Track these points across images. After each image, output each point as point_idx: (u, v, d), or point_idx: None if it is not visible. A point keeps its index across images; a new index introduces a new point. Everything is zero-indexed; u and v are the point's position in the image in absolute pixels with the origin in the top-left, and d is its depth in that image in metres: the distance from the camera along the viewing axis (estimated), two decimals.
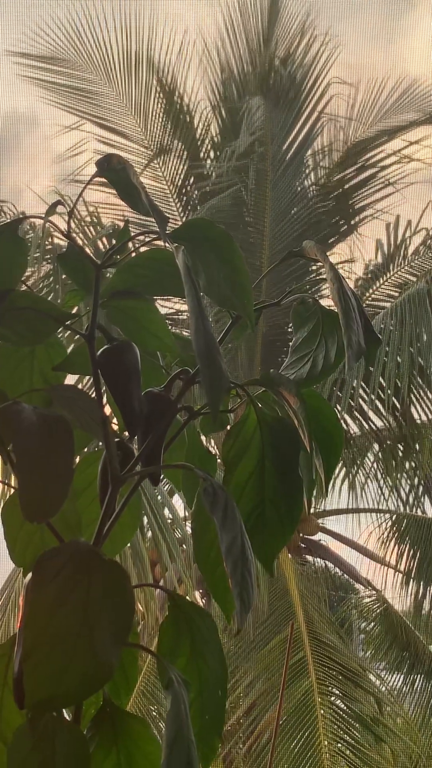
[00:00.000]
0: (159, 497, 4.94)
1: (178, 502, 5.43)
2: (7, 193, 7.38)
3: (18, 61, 7.26)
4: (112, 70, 7.68)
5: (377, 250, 7.19)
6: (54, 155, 7.58)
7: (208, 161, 7.85)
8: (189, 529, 5.10)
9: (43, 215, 0.95)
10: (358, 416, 6.81)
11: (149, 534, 4.87)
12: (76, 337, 0.95)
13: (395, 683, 6.42)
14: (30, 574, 0.79)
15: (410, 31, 7.41)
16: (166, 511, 5.07)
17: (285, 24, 7.79)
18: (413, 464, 6.94)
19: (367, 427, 6.89)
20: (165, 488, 5.23)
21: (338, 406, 6.08)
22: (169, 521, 4.96)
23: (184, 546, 5.33)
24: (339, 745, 4.95)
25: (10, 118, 7.64)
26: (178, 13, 7.57)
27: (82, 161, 7.42)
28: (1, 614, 5.35)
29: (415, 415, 6.67)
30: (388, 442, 6.89)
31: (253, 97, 7.45)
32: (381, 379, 6.09)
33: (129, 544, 4.24)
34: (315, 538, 7.26)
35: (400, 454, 6.97)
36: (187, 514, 5.33)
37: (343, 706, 5.25)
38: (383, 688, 5.98)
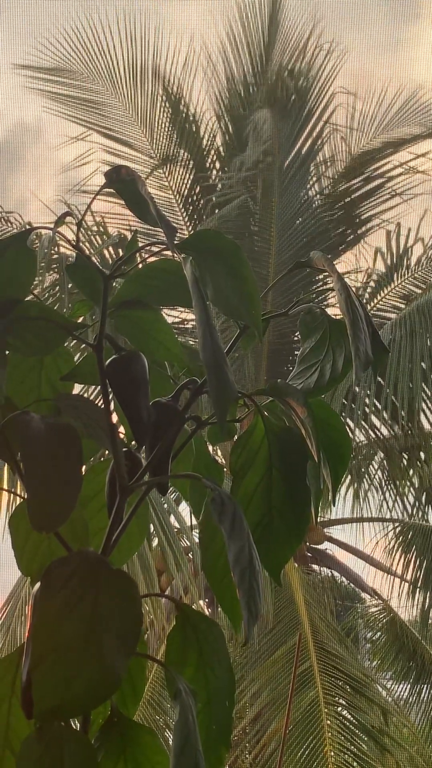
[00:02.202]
0: (165, 506, 4.93)
1: (184, 510, 5.43)
2: (12, 203, 7.40)
3: (24, 72, 7.30)
4: (117, 81, 7.70)
5: (375, 257, 7.19)
6: (59, 166, 7.61)
7: (214, 171, 7.86)
8: (196, 538, 5.10)
9: (51, 225, 0.96)
10: (364, 425, 6.80)
11: (155, 542, 4.87)
12: (82, 346, 0.95)
13: (401, 693, 6.40)
14: (38, 584, 0.80)
15: (415, 41, 7.42)
16: (173, 520, 5.07)
17: (288, 35, 7.81)
18: (419, 473, 6.93)
19: (373, 435, 6.88)
20: (171, 497, 5.22)
21: (350, 422, 6.08)
22: (175, 530, 4.96)
23: (190, 555, 5.32)
24: (345, 755, 4.93)
25: (15, 128, 7.67)
26: (183, 24, 7.60)
27: (88, 172, 7.45)
28: (8, 623, 5.35)
29: (423, 424, 6.66)
30: (395, 450, 6.88)
31: (261, 108, 7.47)
32: (390, 389, 6.08)
33: (136, 554, 4.22)
34: (321, 547, 7.25)
35: (407, 463, 6.96)
36: (193, 522, 5.33)
37: (349, 716, 5.23)
38: (389, 699, 5.96)
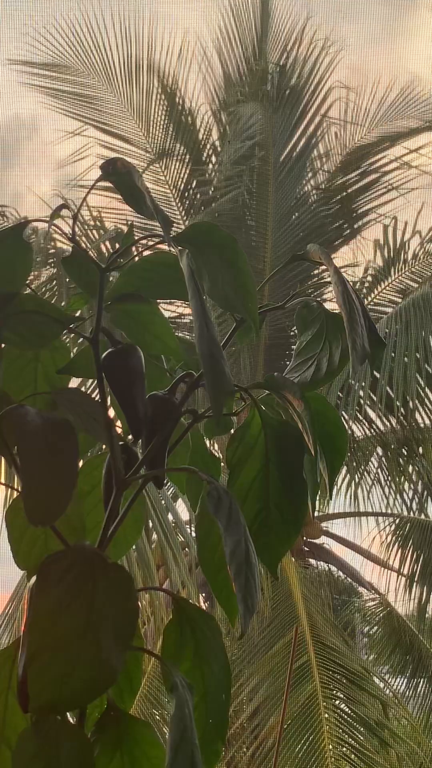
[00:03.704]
0: (163, 501, 4.94)
1: (181, 505, 5.43)
2: (8, 198, 7.38)
3: (19, 68, 7.28)
4: (113, 75, 7.69)
5: (375, 251, 7.19)
6: (55, 161, 7.60)
7: (210, 165, 7.85)
8: (193, 533, 5.10)
9: (47, 219, 0.95)
10: (362, 419, 6.81)
11: (154, 537, 4.87)
12: (79, 340, 0.95)
13: (398, 687, 6.42)
14: (34, 578, 0.79)
15: (412, 32, 7.40)
16: (170, 515, 5.06)
17: (281, 26, 7.80)
18: (417, 468, 6.93)
19: (370, 430, 6.89)
20: (169, 492, 5.22)
21: (345, 414, 6.08)
22: (173, 525, 4.96)
23: (186, 549, 5.32)
24: (343, 748, 4.94)
25: (11, 123, 7.66)
26: (178, 17, 7.58)
27: (83, 166, 7.43)
28: (13, 620, 5.33)
29: (419, 419, 6.67)
30: (392, 445, 6.89)
31: (248, 101, 7.46)
32: (384, 380, 6.08)
33: (134, 548, 4.23)
34: (318, 541, 7.26)
35: (404, 458, 6.97)
36: (191, 517, 5.33)
37: (347, 709, 5.24)
38: (387, 692, 5.97)
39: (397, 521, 6.89)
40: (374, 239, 7.20)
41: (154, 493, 4.49)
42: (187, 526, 5.32)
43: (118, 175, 0.87)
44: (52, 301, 5.49)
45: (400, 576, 6.69)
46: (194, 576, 5.10)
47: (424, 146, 7.30)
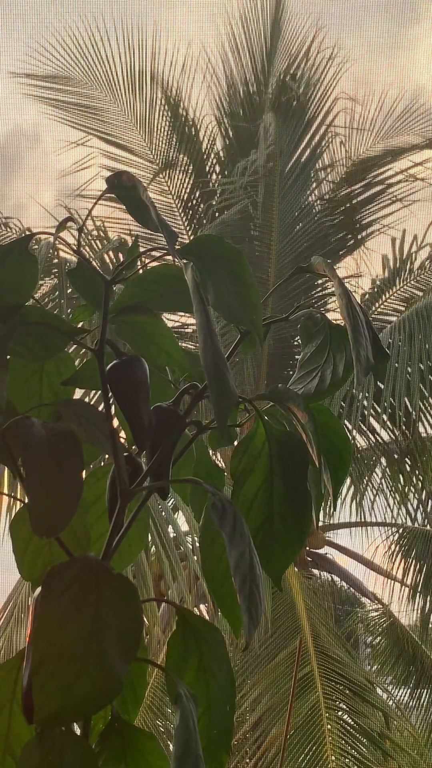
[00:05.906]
0: (163, 513, 4.93)
1: (181, 518, 5.42)
2: (11, 208, 7.40)
3: (23, 81, 7.30)
4: (116, 86, 7.70)
5: (384, 267, 7.20)
6: (58, 171, 7.61)
7: (214, 175, 7.86)
8: (194, 545, 5.09)
9: (52, 231, 0.96)
10: (365, 430, 6.80)
11: (152, 549, 4.86)
12: (83, 351, 0.95)
13: (401, 698, 6.39)
14: (39, 589, 0.80)
15: (415, 45, 7.42)
16: (170, 527, 5.06)
17: (290, 41, 7.81)
18: (420, 478, 6.92)
19: (374, 440, 6.88)
20: (169, 504, 5.22)
21: (348, 423, 6.07)
22: (172, 536, 4.96)
23: (187, 561, 5.32)
24: (346, 759, 4.92)
25: (14, 134, 7.67)
26: (182, 28, 7.60)
27: (86, 177, 7.44)
28: (5, 627, 5.34)
29: (422, 429, 6.66)
30: (395, 456, 6.88)
31: (265, 114, 7.46)
32: (387, 391, 6.08)
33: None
34: (321, 551, 7.25)
35: (407, 468, 6.96)
36: (190, 529, 5.32)
37: (350, 720, 5.22)
38: (390, 703, 5.95)
39: (401, 531, 6.88)
40: (382, 254, 7.21)
41: (154, 505, 4.49)
42: (187, 537, 5.31)
43: (124, 189, 0.88)
44: (54, 312, 5.50)
45: (403, 586, 6.68)
46: (196, 588, 5.10)
47: (428, 160, 7.32)
